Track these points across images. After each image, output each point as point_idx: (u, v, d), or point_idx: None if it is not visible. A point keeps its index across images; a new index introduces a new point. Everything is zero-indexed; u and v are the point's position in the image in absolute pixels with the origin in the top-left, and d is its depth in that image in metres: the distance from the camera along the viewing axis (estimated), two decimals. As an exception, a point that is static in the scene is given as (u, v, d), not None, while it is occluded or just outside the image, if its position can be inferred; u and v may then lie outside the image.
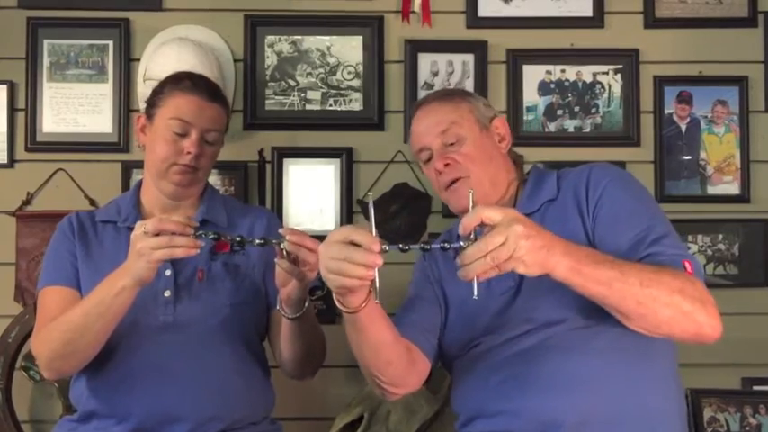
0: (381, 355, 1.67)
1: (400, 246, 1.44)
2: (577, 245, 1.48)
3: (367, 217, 2.44)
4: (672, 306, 1.48)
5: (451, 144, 1.82)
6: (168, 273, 1.85)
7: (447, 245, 1.44)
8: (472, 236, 1.38)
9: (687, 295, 1.49)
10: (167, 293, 1.85)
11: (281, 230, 1.65)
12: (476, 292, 1.39)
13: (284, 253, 1.64)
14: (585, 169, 1.77)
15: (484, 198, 1.77)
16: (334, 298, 1.53)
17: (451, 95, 1.93)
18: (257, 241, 1.68)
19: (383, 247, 1.41)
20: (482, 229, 1.38)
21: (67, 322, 1.75)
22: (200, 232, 1.64)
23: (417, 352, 1.75)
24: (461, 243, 1.38)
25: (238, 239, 1.67)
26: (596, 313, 1.54)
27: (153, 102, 1.96)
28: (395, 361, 1.69)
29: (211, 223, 1.91)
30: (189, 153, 1.89)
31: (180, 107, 1.91)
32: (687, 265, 1.56)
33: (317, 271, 1.57)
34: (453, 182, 1.81)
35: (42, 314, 1.86)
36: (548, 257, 1.40)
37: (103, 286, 1.72)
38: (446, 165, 1.81)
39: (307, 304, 1.74)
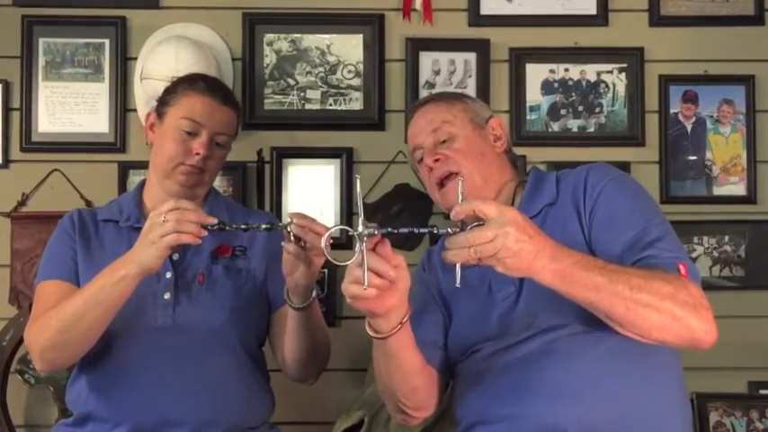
0: (410, 380, 1.69)
1: (389, 229, 1.44)
2: (570, 250, 1.49)
3: (368, 215, 2.47)
4: (662, 312, 1.49)
5: (443, 141, 1.85)
6: (169, 275, 1.87)
7: (435, 230, 1.45)
8: (459, 224, 1.39)
9: (678, 300, 1.49)
10: (167, 296, 1.86)
11: (288, 214, 1.68)
12: (458, 281, 1.40)
13: (291, 237, 1.66)
14: (583, 170, 1.78)
15: (475, 194, 1.77)
16: (366, 323, 1.54)
17: (445, 96, 1.97)
18: (263, 226, 1.70)
19: (371, 230, 1.42)
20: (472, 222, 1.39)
21: (64, 310, 1.76)
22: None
23: (432, 371, 1.78)
24: (449, 230, 1.40)
25: (243, 227, 1.70)
26: (598, 318, 1.55)
27: (165, 100, 1.98)
28: (422, 387, 1.72)
29: (214, 226, 1.92)
30: (197, 154, 1.91)
31: (192, 107, 1.93)
32: (682, 268, 1.57)
33: (324, 257, 1.59)
34: (444, 181, 1.83)
35: (39, 307, 1.87)
36: (532, 263, 1.42)
37: (105, 274, 1.73)
38: (436, 160, 1.83)
39: (314, 294, 1.75)
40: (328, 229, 1.62)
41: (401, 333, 1.54)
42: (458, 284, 1.41)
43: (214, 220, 1.69)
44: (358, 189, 1.47)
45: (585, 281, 1.46)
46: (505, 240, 1.37)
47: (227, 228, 1.69)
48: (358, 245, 1.43)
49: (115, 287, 1.71)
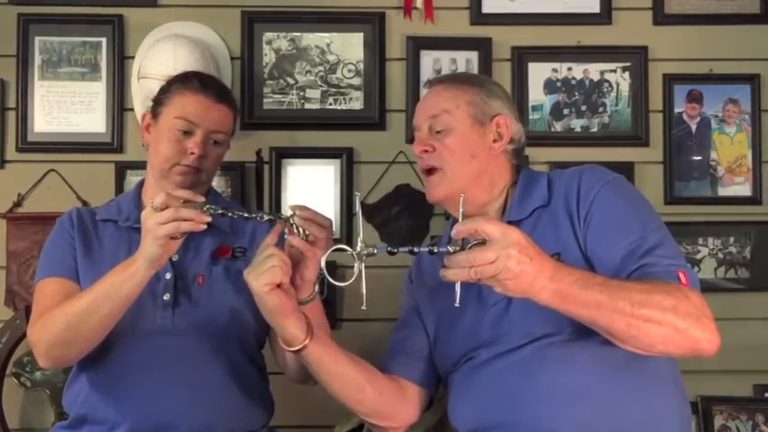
0: (350, 382, 1.74)
1: (388, 248, 1.46)
2: (570, 268, 1.50)
3: (368, 217, 2.47)
4: (665, 325, 1.50)
5: (438, 132, 1.83)
6: (168, 276, 1.88)
7: (435, 248, 1.46)
8: (460, 242, 1.39)
9: (681, 312, 1.51)
10: (166, 297, 1.87)
11: (290, 206, 1.69)
12: (458, 300, 1.42)
13: (294, 229, 1.67)
14: (576, 173, 1.77)
15: (457, 195, 1.77)
16: (282, 345, 1.70)
17: (462, 81, 1.92)
18: (266, 217, 1.70)
19: (370, 249, 1.43)
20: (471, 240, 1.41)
21: (74, 305, 1.77)
22: (207, 207, 1.66)
23: (405, 382, 1.82)
24: (449, 248, 1.40)
25: (246, 215, 1.70)
26: None
27: (159, 100, 2.00)
28: (367, 387, 1.76)
29: (214, 227, 1.92)
30: (192, 153, 1.92)
31: (186, 106, 1.94)
32: (682, 276, 1.58)
33: (328, 248, 1.64)
34: (429, 173, 1.83)
35: (41, 304, 1.88)
36: (532, 284, 1.43)
37: (116, 271, 1.74)
38: (425, 151, 1.83)
39: (317, 289, 1.76)
40: (330, 221, 1.65)
41: (315, 340, 1.67)
42: (457, 304, 1.42)
43: (202, 199, 1.70)
44: (358, 207, 1.48)
45: (585, 299, 1.47)
46: (507, 262, 1.38)
47: (229, 214, 1.70)
48: (356, 264, 1.44)
49: (126, 283, 1.72)
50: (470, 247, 1.39)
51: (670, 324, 1.50)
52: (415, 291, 1.93)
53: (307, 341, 1.66)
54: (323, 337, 1.72)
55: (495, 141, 1.84)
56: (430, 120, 1.84)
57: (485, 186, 1.82)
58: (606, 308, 1.48)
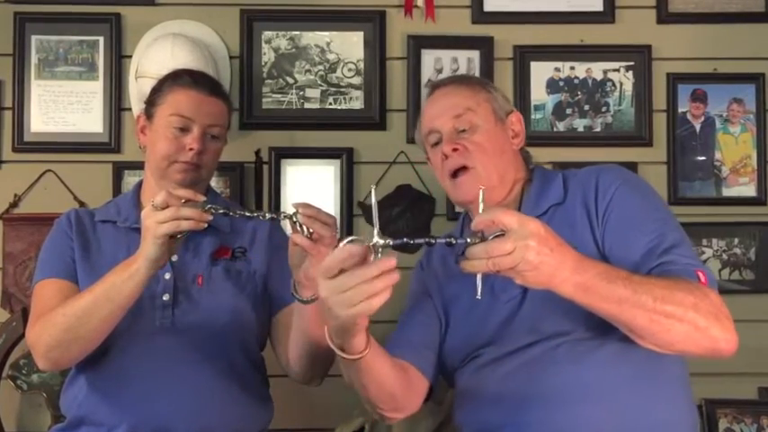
0: (385, 388, 1.70)
1: (405, 239, 1.43)
2: (593, 261, 1.49)
3: (369, 218, 2.48)
4: (686, 323, 1.50)
5: (463, 130, 1.82)
6: (168, 276, 1.89)
7: (453, 240, 1.44)
8: (480, 234, 1.39)
9: (702, 311, 1.51)
10: (166, 297, 1.88)
11: (292, 203, 1.68)
12: (479, 292, 1.40)
13: (298, 227, 1.67)
14: (594, 172, 1.78)
15: (490, 192, 1.78)
16: (334, 348, 1.47)
17: (471, 81, 1.95)
18: (268, 215, 1.70)
19: (387, 241, 1.41)
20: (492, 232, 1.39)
21: (73, 306, 1.77)
22: (209, 206, 1.66)
23: (414, 372, 1.79)
24: (468, 239, 1.39)
25: (248, 214, 1.70)
26: (603, 324, 1.56)
27: (152, 100, 2.00)
28: (398, 392, 1.73)
29: (213, 227, 1.93)
30: (191, 149, 1.93)
31: (180, 103, 1.95)
32: (701, 275, 1.58)
33: (333, 246, 1.60)
34: (458, 172, 1.81)
35: (39, 305, 1.88)
36: (553, 276, 1.41)
37: (116, 271, 1.74)
38: (454, 150, 1.80)
39: None
40: (334, 218, 1.64)
41: (372, 352, 1.54)
42: (479, 296, 1.40)
43: (203, 198, 1.71)
44: (373, 199, 1.46)
45: (608, 293, 1.46)
46: (525, 253, 1.36)
47: (231, 213, 1.70)
48: (372, 257, 1.42)
49: (126, 283, 1.72)
50: (490, 240, 1.38)
51: (691, 321, 1.50)
52: (426, 279, 1.92)
53: (367, 351, 1.52)
54: (377, 345, 1.61)
55: (513, 138, 1.87)
56: (454, 120, 1.82)
57: (507, 182, 1.83)
58: (629, 302, 1.47)
